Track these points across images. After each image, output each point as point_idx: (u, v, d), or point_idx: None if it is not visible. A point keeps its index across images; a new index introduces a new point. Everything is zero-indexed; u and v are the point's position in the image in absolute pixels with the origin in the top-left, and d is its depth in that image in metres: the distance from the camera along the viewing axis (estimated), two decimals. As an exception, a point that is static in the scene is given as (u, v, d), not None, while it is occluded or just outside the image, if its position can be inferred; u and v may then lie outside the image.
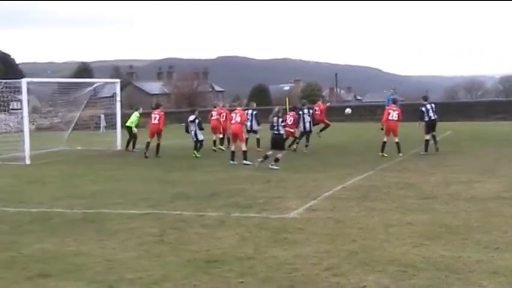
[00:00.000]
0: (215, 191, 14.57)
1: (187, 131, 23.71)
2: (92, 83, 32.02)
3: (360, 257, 8.41)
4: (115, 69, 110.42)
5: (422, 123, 22.27)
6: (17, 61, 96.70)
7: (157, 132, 24.27)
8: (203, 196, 13.93)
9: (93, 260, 8.65)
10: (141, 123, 27.88)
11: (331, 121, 28.18)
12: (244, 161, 20.01)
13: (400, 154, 20.99)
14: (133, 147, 26.76)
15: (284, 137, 19.86)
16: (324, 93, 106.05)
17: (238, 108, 21.72)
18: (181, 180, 16.84)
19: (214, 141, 25.68)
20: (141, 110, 28.66)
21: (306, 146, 23.65)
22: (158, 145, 24.10)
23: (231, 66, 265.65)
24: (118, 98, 29.94)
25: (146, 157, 23.61)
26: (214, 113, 26.35)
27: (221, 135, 26.19)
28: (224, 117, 25.82)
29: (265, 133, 25.86)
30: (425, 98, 23.42)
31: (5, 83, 26.07)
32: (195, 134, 23.26)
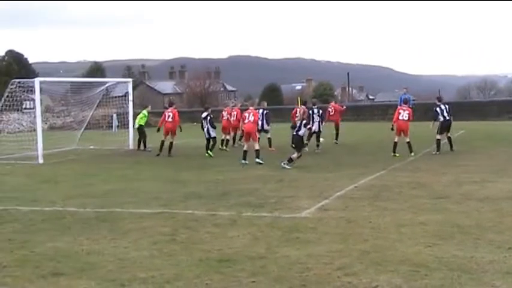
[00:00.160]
0: (227, 191, 14.58)
1: (202, 128, 23.83)
2: (104, 83, 32.11)
3: (372, 256, 8.39)
4: (127, 69, 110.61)
5: (436, 123, 22.20)
6: (30, 61, 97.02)
7: (172, 131, 24.36)
8: (215, 195, 13.94)
9: (105, 258, 8.68)
10: (153, 123, 27.97)
11: (342, 120, 28.18)
12: (257, 160, 20.01)
13: (412, 154, 20.92)
14: (145, 146, 26.84)
15: (303, 138, 19.56)
16: (336, 93, 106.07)
17: (251, 107, 21.68)
18: (192, 180, 16.86)
19: (222, 141, 25.67)
20: (149, 108, 28.80)
21: (318, 145, 23.62)
22: (171, 144, 24.16)
23: (243, 66, 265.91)
24: (130, 98, 30.04)
25: (157, 155, 23.72)
26: (224, 113, 26.31)
27: (228, 137, 26.20)
28: (235, 116, 25.86)
29: (276, 132, 26.00)
30: (440, 99, 23.35)
31: (18, 82, 26.21)
32: (207, 131, 23.35)
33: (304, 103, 25.47)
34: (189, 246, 9.28)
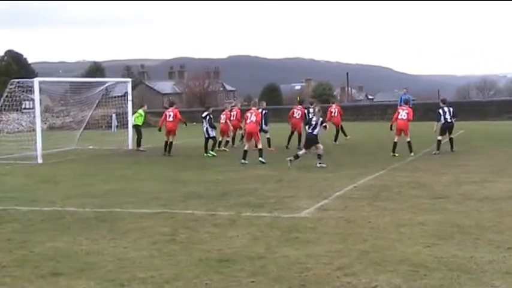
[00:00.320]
0: (226, 191, 14.58)
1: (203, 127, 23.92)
2: (103, 83, 32.09)
3: (371, 256, 8.39)
4: (127, 69, 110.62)
5: (439, 125, 22.24)
6: (29, 61, 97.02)
7: (172, 130, 24.44)
8: (214, 195, 13.94)
9: (105, 258, 8.68)
10: (153, 123, 27.96)
11: (342, 120, 28.17)
12: (260, 159, 20.01)
13: (412, 154, 20.93)
14: (138, 145, 26.90)
15: (317, 137, 19.50)
16: (335, 93, 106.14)
17: (253, 108, 21.62)
18: (192, 180, 16.86)
19: (220, 142, 25.61)
20: (145, 108, 28.76)
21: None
22: (171, 144, 24.21)
23: (242, 66, 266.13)
24: (129, 98, 30.02)
25: (164, 155, 23.91)
26: (223, 117, 26.04)
27: (228, 138, 26.18)
28: (235, 116, 25.86)
29: (275, 132, 26.00)
30: (444, 101, 23.38)
31: (18, 82, 26.20)
32: (206, 130, 23.37)
33: (300, 103, 25.52)
34: (189, 246, 9.28)
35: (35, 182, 17.73)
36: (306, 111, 24.31)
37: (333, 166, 18.80)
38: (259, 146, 20.47)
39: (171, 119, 24.64)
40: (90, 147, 29.30)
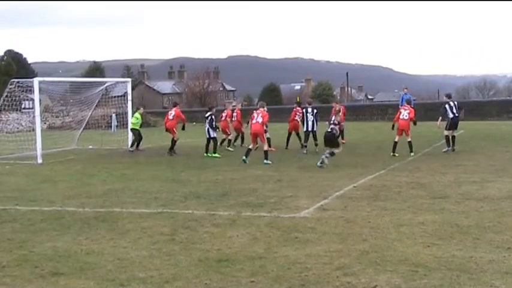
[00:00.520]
0: (226, 191, 14.58)
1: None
2: (103, 83, 32.08)
3: (371, 256, 8.39)
4: (126, 69, 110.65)
5: (443, 122, 22.28)
6: (29, 60, 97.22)
7: (171, 128, 24.58)
8: (214, 195, 13.94)
9: (104, 258, 8.68)
10: (153, 123, 27.96)
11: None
12: (265, 161, 19.94)
13: (412, 154, 20.93)
14: (132, 145, 26.94)
15: (336, 134, 19.52)
16: (335, 93, 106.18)
17: (260, 108, 21.44)
18: (192, 180, 16.85)
19: (223, 140, 25.69)
20: (141, 110, 28.71)
21: (316, 145, 23.55)
22: (174, 142, 24.34)
23: (242, 66, 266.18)
24: (129, 97, 30.01)
25: (175, 154, 24.15)
26: (224, 114, 26.27)
27: (230, 137, 26.20)
28: (235, 117, 25.95)
29: (275, 132, 26.00)
30: (449, 96, 23.43)
31: (17, 82, 26.21)
32: (208, 131, 23.38)
33: (299, 104, 25.47)
34: (189, 246, 9.28)
35: (35, 181, 17.72)
36: (304, 111, 24.28)
37: (332, 166, 18.79)
38: (265, 148, 20.39)
39: (171, 117, 24.88)
40: (90, 147, 29.31)
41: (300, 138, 24.61)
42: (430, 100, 77.95)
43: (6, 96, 25.84)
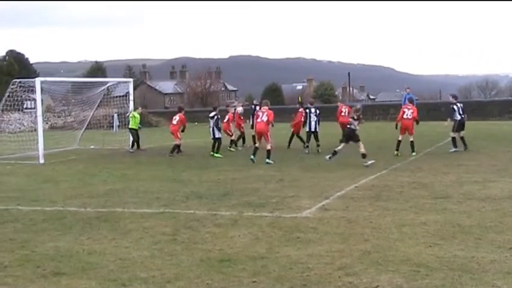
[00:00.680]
0: (228, 191, 14.58)
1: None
2: (105, 83, 32.11)
3: (373, 256, 8.39)
4: (128, 69, 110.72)
5: (451, 122, 22.27)
6: (31, 61, 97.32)
7: (174, 133, 24.61)
8: (216, 195, 13.94)
9: (106, 258, 8.68)
10: (154, 123, 27.95)
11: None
12: (268, 160, 19.93)
13: (414, 153, 20.93)
14: (132, 146, 26.97)
15: (355, 130, 19.50)
16: (337, 93, 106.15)
17: (265, 107, 21.40)
18: (193, 180, 16.85)
19: (231, 141, 25.74)
20: (139, 110, 28.71)
21: (318, 145, 23.55)
22: (175, 145, 24.33)
23: (244, 66, 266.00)
24: (131, 98, 30.02)
25: (180, 154, 24.22)
26: (227, 117, 26.24)
27: (233, 138, 26.18)
28: (235, 117, 25.98)
29: (275, 132, 25.95)
30: (455, 97, 23.41)
31: (19, 82, 26.23)
32: (212, 131, 23.40)
33: (301, 104, 25.43)
34: (190, 246, 9.28)
35: (37, 181, 17.74)
36: (307, 111, 24.24)
37: (334, 166, 18.80)
38: (268, 147, 20.32)
39: (175, 122, 24.97)
40: (92, 147, 29.32)
41: (301, 139, 24.58)
42: (432, 100, 77.84)
43: (8, 96, 25.87)
